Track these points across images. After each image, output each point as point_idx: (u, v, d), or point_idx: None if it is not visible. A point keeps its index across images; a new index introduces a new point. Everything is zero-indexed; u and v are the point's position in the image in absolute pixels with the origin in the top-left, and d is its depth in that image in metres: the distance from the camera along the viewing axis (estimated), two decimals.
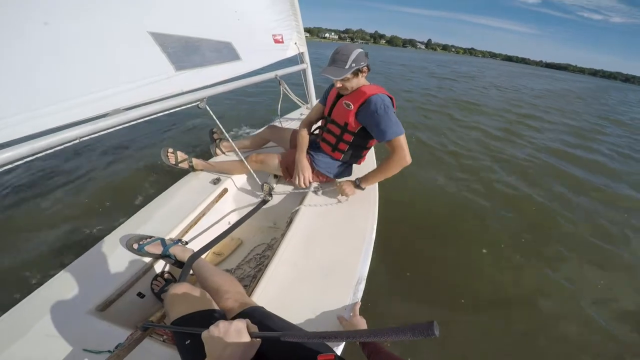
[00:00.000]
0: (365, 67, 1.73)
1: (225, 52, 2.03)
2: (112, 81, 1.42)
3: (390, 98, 1.74)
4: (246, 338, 0.65)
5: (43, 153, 1.19)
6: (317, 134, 2.08)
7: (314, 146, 2.02)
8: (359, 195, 1.85)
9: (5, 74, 1.09)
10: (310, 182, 1.95)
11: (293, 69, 2.85)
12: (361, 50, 1.70)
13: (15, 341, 1.06)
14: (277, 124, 2.76)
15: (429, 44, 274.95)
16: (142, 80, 1.54)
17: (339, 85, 1.74)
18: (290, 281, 1.30)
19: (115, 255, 1.44)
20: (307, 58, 3.02)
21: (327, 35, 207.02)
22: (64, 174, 2.99)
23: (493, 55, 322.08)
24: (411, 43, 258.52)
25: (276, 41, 2.61)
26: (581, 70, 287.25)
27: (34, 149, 1.14)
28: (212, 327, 0.66)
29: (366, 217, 1.70)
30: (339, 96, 1.85)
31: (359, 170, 1.98)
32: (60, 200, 2.64)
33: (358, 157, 2.00)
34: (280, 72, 2.60)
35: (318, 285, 1.29)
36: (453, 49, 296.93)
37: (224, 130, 2.14)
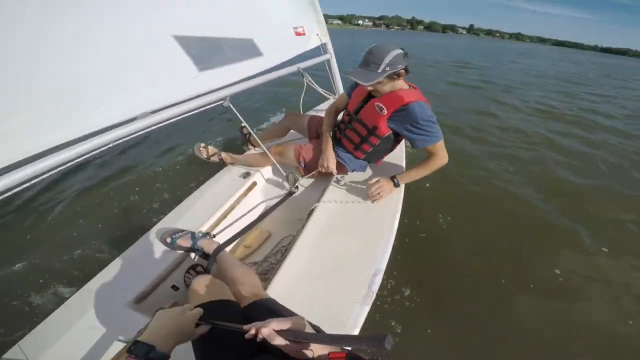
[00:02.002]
0: (403, 70, 1.61)
1: (247, 48, 2.07)
2: (140, 86, 1.49)
3: (428, 103, 1.70)
4: (187, 323, 0.75)
5: (89, 154, 1.28)
6: (338, 127, 2.04)
7: (335, 140, 2.01)
8: None
9: (46, 85, 1.17)
10: (334, 170, 1.93)
11: (316, 60, 2.83)
12: (399, 51, 1.58)
13: (62, 335, 1.17)
14: (295, 111, 2.77)
15: (471, 29, 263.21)
16: (167, 83, 1.60)
17: (370, 88, 1.69)
18: (306, 273, 1.34)
19: (152, 250, 1.55)
20: (330, 48, 2.99)
21: (360, 22, 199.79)
22: (106, 178, 3.16)
23: (542, 41, 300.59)
24: (452, 28, 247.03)
25: (297, 34, 2.61)
26: None
27: (77, 153, 1.22)
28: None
29: (388, 210, 1.70)
30: (371, 96, 1.78)
31: (386, 171, 1.97)
32: (107, 198, 2.81)
33: (380, 157, 2.00)
34: (303, 65, 2.59)
35: (333, 277, 1.32)
36: (498, 34, 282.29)
37: (247, 125, 2.21)
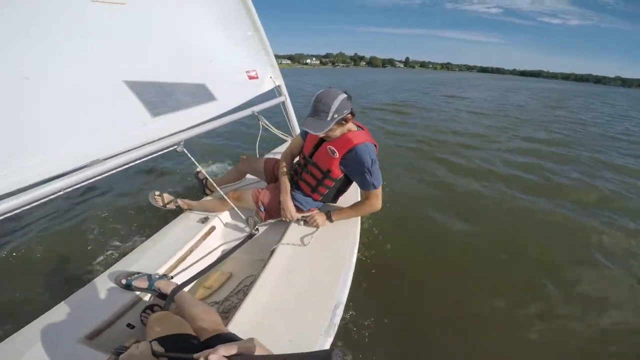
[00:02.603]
0: (349, 115, 1.70)
1: (200, 93, 2.12)
2: (90, 132, 1.51)
3: (375, 146, 1.80)
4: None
5: (28, 206, 1.25)
6: (295, 171, 2.10)
7: (292, 183, 2.06)
8: (341, 222, 1.95)
9: None
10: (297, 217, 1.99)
11: (271, 103, 2.93)
12: (344, 96, 1.66)
13: None
14: (249, 156, 2.80)
15: (407, 62, 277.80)
16: (120, 129, 1.63)
17: (320, 136, 1.80)
18: (268, 308, 1.36)
19: (106, 291, 1.53)
20: (284, 90, 3.09)
21: (308, 61, 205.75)
22: (59, 220, 3.09)
23: (469, 68, 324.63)
24: (390, 62, 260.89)
25: (250, 77, 2.70)
26: (554, 76, 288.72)
27: (20, 203, 1.20)
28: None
29: (346, 244, 1.77)
30: (323, 139, 1.86)
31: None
32: (55, 243, 2.73)
33: (337, 198, 2.08)
34: (257, 108, 2.68)
35: (296, 311, 1.34)
36: (430, 65, 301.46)
37: (202, 170, 2.24)
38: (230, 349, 0.64)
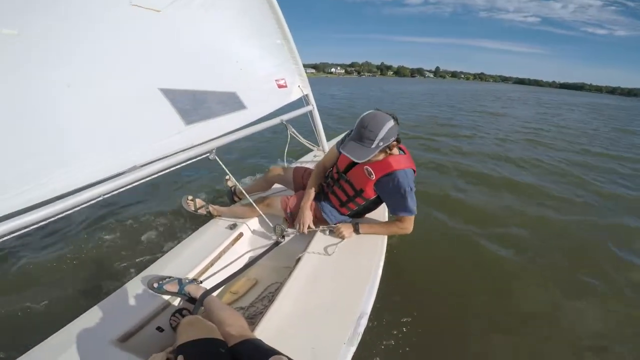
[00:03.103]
0: (395, 142, 1.65)
1: (231, 102, 2.17)
2: (128, 140, 1.57)
3: (414, 171, 1.77)
4: None
5: (72, 210, 1.31)
6: (327, 183, 2.09)
7: (322, 194, 2.07)
8: (368, 235, 1.93)
9: (38, 134, 1.25)
10: (311, 227, 1.99)
11: (299, 112, 2.95)
12: (392, 123, 1.59)
13: None
14: (278, 165, 2.86)
15: (437, 72, 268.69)
16: (156, 137, 1.68)
17: (365, 167, 1.75)
18: (293, 315, 1.37)
19: (138, 294, 1.58)
20: (312, 100, 3.11)
21: (333, 70, 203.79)
22: (94, 226, 3.20)
23: (504, 79, 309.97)
24: (419, 72, 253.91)
25: (280, 86, 2.73)
26: (598, 89, 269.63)
27: (63, 208, 1.26)
28: None
29: (372, 256, 1.76)
30: None
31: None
32: (89, 248, 2.82)
33: (363, 215, 2.06)
34: (286, 117, 2.71)
35: (320, 320, 1.35)
36: (462, 76, 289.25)
37: (232, 178, 2.29)
38: None
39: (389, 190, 1.74)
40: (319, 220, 2.04)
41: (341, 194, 1.95)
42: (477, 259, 3.02)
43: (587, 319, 2.35)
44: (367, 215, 2.11)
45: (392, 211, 1.85)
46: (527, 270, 2.88)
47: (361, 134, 1.59)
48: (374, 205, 1.98)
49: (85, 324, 1.38)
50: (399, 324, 2.11)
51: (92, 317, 1.43)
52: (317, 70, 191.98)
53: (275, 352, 1.00)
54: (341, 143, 1.85)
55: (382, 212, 2.20)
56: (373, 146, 1.57)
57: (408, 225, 1.84)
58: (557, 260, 3.03)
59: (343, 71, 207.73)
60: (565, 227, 3.69)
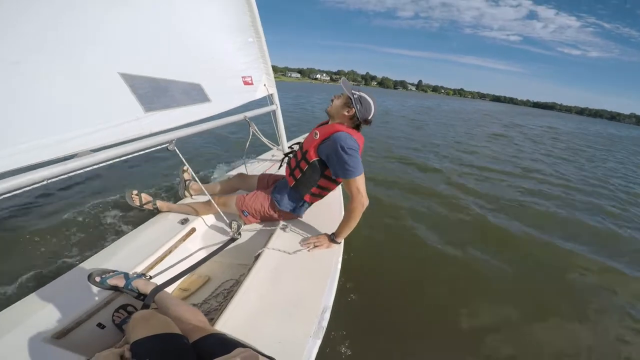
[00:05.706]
0: (353, 110, 1.76)
1: (195, 93, 2.10)
2: (81, 122, 1.46)
3: (357, 143, 1.75)
4: None
5: (11, 194, 1.21)
6: (289, 163, 2.10)
7: (282, 182, 2.08)
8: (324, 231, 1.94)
9: None
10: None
11: (262, 110, 2.94)
12: (373, 109, 1.81)
13: None
14: (244, 171, 2.82)
15: (419, 85, 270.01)
16: (112, 122, 1.58)
17: (332, 98, 1.89)
18: (256, 310, 1.35)
19: (77, 287, 1.47)
20: (276, 99, 3.11)
21: (318, 76, 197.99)
22: (35, 210, 2.98)
23: (482, 96, 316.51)
24: (402, 85, 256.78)
25: (245, 83, 2.69)
26: (568, 109, 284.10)
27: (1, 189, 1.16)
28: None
29: (332, 250, 1.78)
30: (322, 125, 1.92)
31: (330, 221, 2.02)
32: (26, 232, 2.62)
33: (307, 190, 1.95)
34: (249, 114, 2.69)
35: (283, 313, 1.35)
36: (443, 90, 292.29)
37: (191, 170, 2.20)
38: None
39: (328, 152, 1.74)
40: (277, 213, 2.03)
41: (293, 161, 1.99)
42: (422, 255, 3.26)
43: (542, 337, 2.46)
44: (326, 215, 2.14)
45: (338, 175, 1.77)
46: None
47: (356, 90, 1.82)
48: (316, 174, 1.87)
49: (15, 317, 1.26)
50: (358, 315, 2.22)
51: (23, 309, 1.31)
52: (302, 75, 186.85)
53: (241, 345, 0.98)
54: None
55: (337, 210, 2.24)
56: (355, 93, 1.78)
57: (356, 193, 1.69)
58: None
59: (328, 78, 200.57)
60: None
